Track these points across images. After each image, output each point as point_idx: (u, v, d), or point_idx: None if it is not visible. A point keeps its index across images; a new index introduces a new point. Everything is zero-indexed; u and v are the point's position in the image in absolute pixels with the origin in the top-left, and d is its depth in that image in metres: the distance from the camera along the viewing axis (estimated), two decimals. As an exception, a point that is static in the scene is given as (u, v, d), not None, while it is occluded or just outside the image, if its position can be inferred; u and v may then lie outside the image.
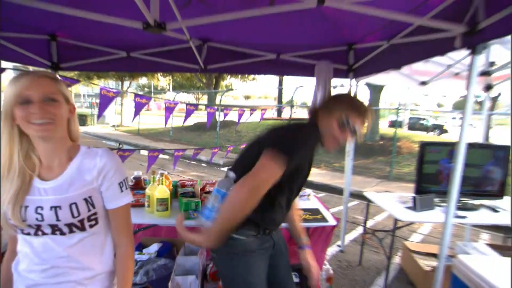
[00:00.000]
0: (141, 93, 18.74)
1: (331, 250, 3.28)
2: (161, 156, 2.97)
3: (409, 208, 2.37)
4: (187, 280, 1.87)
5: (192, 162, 8.62)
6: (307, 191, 2.72)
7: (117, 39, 2.67)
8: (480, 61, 1.85)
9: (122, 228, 1.01)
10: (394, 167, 7.59)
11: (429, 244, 3.18)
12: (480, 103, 3.26)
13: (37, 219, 0.88)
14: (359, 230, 3.96)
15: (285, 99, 19.96)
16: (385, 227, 4.07)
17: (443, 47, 1.80)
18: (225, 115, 3.95)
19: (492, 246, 2.44)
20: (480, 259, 1.62)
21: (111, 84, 23.11)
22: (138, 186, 2.18)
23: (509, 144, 2.50)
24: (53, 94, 0.86)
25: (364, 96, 9.81)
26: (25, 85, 0.83)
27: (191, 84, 22.06)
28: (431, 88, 3.20)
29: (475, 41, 1.54)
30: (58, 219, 0.89)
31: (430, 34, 1.84)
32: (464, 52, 1.66)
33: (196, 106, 3.21)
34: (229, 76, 18.20)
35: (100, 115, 2.58)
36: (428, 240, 3.82)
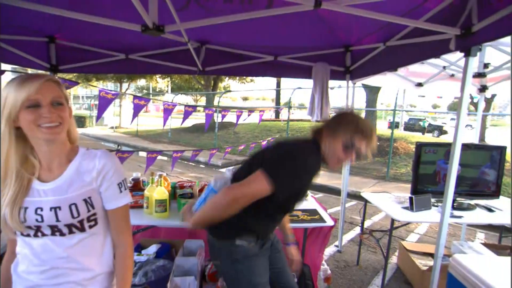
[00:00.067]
0: (139, 95, 18.76)
1: (329, 250, 3.30)
2: (159, 157, 2.98)
3: (406, 208, 2.39)
4: (186, 281, 1.87)
5: (190, 163, 8.61)
6: (305, 191, 2.73)
7: (115, 41, 2.68)
8: (475, 62, 1.88)
9: (121, 228, 1.02)
10: (391, 167, 7.62)
11: (425, 244, 3.20)
12: (475, 104, 3.30)
13: (36, 220, 0.89)
14: (357, 230, 3.97)
15: (282, 100, 19.99)
16: (382, 227, 4.09)
17: (438, 49, 1.83)
18: (223, 116, 3.96)
19: (488, 245, 2.47)
20: (475, 258, 1.63)
21: (109, 86, 23.07)
22: (136, 187, 2.19)
23: (504, 144, 2.53)
24: (59, 98, 0.88)
25: (360, 98, 9.85)
26: (34, 89, 0.83)
27: (189, 86, 22.06)
28: (427, 89, 3.23)
29: (469, 43, 1.57)
30: (58, 220, 0.90)
31: (425, 37, 1.86)
32: (459, 54, 1.68)
33: (194, 108, 3.22)
34: (227, 78, 18.22)
35: (99, 116, 2.59)
36: (424, 240, 3.84)
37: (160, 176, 2.02)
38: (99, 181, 0.96)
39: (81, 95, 36.40)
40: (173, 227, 2.48)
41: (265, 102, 46.02)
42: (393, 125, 8.08)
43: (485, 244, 2.47)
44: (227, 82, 20.23)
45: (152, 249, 2.31)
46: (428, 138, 15.27)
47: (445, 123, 20.75)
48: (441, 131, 18.96)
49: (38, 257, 0.92)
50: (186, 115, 3.04)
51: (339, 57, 2.92)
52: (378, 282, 2.73)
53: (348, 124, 1.28)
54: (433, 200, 2.44)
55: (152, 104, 29.59)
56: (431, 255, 2.71)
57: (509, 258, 1.55)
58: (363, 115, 10.86)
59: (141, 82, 26.06)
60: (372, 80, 3.14)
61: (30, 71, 3.47)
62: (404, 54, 2.22)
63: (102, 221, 0.99)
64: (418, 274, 2.54)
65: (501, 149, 2.49)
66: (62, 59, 2.72)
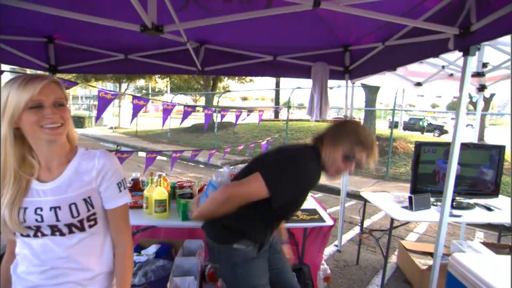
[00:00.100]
0: (139, 95, 18.75)
1: (329, 250, 3.30)
2: (159, 157, 2.98)
3: (405, 207, 2.39)
4: (186, 281, 1.87)
5: (190, 163, 8.61)
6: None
7: (114, 42, 2.68)
8: (473, 62, 1.88)
9: (120, 228, 1.02)
10: (391, 167, 7.63)
11: (425, 243, 3.21)
12: (474, 104, 3.30)
13: (36, 220, 0.89)
14: (356, 230, 3.98)
15: (282, 100, 19.98)
16: (382, 227, 4.09)
17: (437, 48, 1.83)
18: (223, 116, 3.97)
19: (487, 244, 2.47)
20: (474, 257, 1.64)
21: (108, 86, 23.04)
22: (136, 187, 2.19)
23: (503, 144, 2.53)
24: (61, 99, 0.89)
25: (360, 97, 9.84)
26: (37, 90, 0.84)
27: (188, 86, 22.06)
28: (426, 89, 3.24)
29: (467, 42, 1.57)
30: (58, 220, 0.90)
31: (424, 36, 1.87)
32: (458, 53, 1.69)
33: (193, 108, 3.22)
34: (226, 78, 18.22)
35: (98, 117, 2.59)
36: (424, 239, 3.85)
37: (160, 176, 2.02)
38: (99, 181, 0.96)
39: (80, 95, 36.37)
40: (173, 227, 2.48)
41: (265, 102, 46.04)
42: (393, 125, 8.10)
43: (484, 243, 2.48)
44: (226, 82, 20.24)
45: (152, 249, 2.31)
46: (427, 137, 15.29)
47: (445, 123, 20.78)
48: (441, 130, 18.97)
49: (38, 257, 0.92)
50: (185, 115, 3.04)
51: (338, 57, 2.93)
52: (377, 281, 2.73)
53: (349, 135, 1.27)
54: (432, 199, 2.45)
55: (152, 104, 29.57)
56: (430, 254, 2.71)
57: (508, 256, 1.55)
58: (362, 114, 10.89)
59: (140, 82, 26.06)
60: (371, 80, 3.15)
61: (29, 71, 3.46)
62: (403, 54, 2.22)
63: (101, 220, 0.99)
64: (418, 273, 2.54)
65: (500, 148, 2.49)
66: (61, 59, 2.71)
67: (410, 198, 2.33)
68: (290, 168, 1.21)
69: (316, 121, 3.02)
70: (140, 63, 2.83)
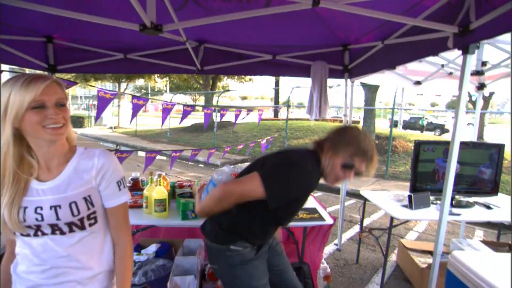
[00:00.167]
0: (138, 94, 18.72)
1: (328, 248, 3.31)
2: (158, 157, 2.98)
3: (405, 206, 2.39)
4: (186, 280, 1.87)
5: (189, 163, 8.61)
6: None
7: (114, 41, 2.67)
8: (473, 60, 1.88)
9: (120, 226, 1.02)
10: (390, 166, 7.64)
11: (424, 242, 3.22)
12: (474, 103, 3.30)
13: (36, 219, 0.89)
14: (356, 228, 3.98)
15: (281, 99, 19.98)
16: (382, 226, 4.10)
17: (436, 47, 1.83)
18: (222, 116, 3.96)
19: (486, 242, 2.48)
20: (474, 255, 1.64)
21: (108, 86, 23.04)
22: (136, 187, 2.19)
23: (502, 142, 2.54)
24: (62, 99, 0.89)
25: (359, 96, 9.82)
26: (40, 90, 0.84)
27: (188, 86, 22.02)
28: (425, 87, 3.24)
29: (467, 41, 1.57)
30: (58, 218, 0.90)
31: (423, 35, 1.87)
32: (457, 52, 1.69)
33: (193, 107, 3.22)
34: (225, 77, 18.21)
35: (98, 116, 2.59)
36: (423, 237, 3.85)
37: (159, 175, 2.02)
38: (98, 179, 0.96)
39: (80, 95, 36.35)
40: (173, 226, 2.48)
41: (264, 101, 46.04)
42: (392, 124, 8.11)
43: (483, 242, 2.48)
44: (225, 81, 20.23)
45: (152, 248, 2.31)
46: (427, 136, 15.31)
47: (446, 122, 20.77)
48: (443, 129, 18.95)
49: (39, 256, 0.92)
50: (185, 114, 3.04)
51: (338, 56, 2.93)
52: (377, 280, 2.74)
53: (349, 144, 1.25)
54: (432, 198, 2.45)
55: (151, 104, 29.57)
56: (430, 252, 2.72)
57: (507, 254, 1.56)
58: (361, 113, 10.87)
59: (140, 82, 26.01)
60: (371, 79, 3.15)
61: (28, 71, 3.46)
62: (403, 52, 2.22)
63: (101, 219, 1.00)
64: (417, 272, 2.55)
65: (499, 147, 2.50)
66: (60, 59, 2.71)
67: (409, 196, 2.33)
68: (288, 170, 1.21)
69: (316, 120, 3.02)
70: (139, 62, 2.82)
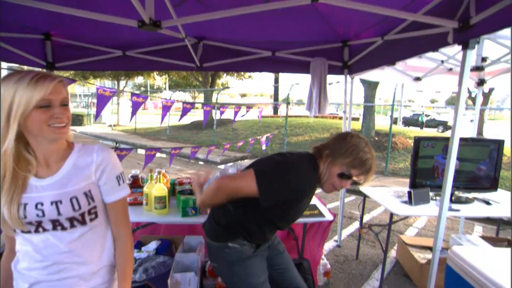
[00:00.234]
0: (137, 92, 18.68)
1: (328, 245, 3.32)
2: (158, 155, 2.98)
3: (404, 202, 2.40)
4: (186, 277, 1.88)
5: (189, 160, 8.62)
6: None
7: (112, 38, 2.66)
8: (472, 56, 1.88)
9: (120, 221, 1.03)
10: (390, 162, 7.65)
11: (424, 238, 3.23)
12: (473, 99, 3.30)
13: (37, 215, 0.89)
14: (356, 225, 3.99)
15: (281, 96, 19.94)
16: (381, 222, 4.11)
17: (436, 42, 1.82)
18: (222, 113, 3.96)
19: (486, 238, 2.49)
20: (473, 250, 1.65)
21: (107, 83, 22.93)
22: (135, 184, 2.19)
23: (502, 138, 2.54)
24: (66, 99, 0.91)
25: (359, 93, 9.80)
26: (49, 89, 0.85)
27: (187, 83, 21.99)
28: (425, 83, 3.23)
29: (467, 36, 1.56)
30: (59, 214, 0.90)
31: (423, 30, 1.86)
32: (457, 47, 1.68)
33: (192, 105, 3.21)
34: (225, 74, 18.16)
35: (97, 114, 2.59)
36: (423, 233, 3.87)
37: (159, 173, 2.02)
38: (98, 174, 0.97)
39: (79, 93, 36.24)
40: (173, 223, 2.48)
41: (263, 98, 45.97)
42: (391, 120, 8.11)
43: (483, 237, 2.50)
44: (225, 78, 20.18)
45: (152, 245, 2.32)
46: (426, 132, 15.29)
47: (449, 118, 20.69)
48: (445, 126, 18.85)
49: (40, 252, 0.93)
50: (184, 112, 3.04)
51: (337, 52, 2.92)
52: (377, 275, 2.75)
53: (348, 153, 1.23)
54: (431, 194, 2.45)
55: (150, 101, 29.53)
56: (429, 248, 2.73)
57: (506, 249, 1.56)
58: (361, 110, 10.84)
59: (139, 79, 25.95)
60: (370, 75, 3.14)
61: (26, 69, 3.45)
62: (402, 48, 2.22)
63: (102, 214, 1.00)
64: (417, 267, 2.56)
65: (499, 143, 2.50)
66: (59, 56, 2.70)
67: (409, 192, 2.33)
68: (283, 170, 1.22)
69: (315, 116, 3.02)
70: (138, 59, 2.81)
